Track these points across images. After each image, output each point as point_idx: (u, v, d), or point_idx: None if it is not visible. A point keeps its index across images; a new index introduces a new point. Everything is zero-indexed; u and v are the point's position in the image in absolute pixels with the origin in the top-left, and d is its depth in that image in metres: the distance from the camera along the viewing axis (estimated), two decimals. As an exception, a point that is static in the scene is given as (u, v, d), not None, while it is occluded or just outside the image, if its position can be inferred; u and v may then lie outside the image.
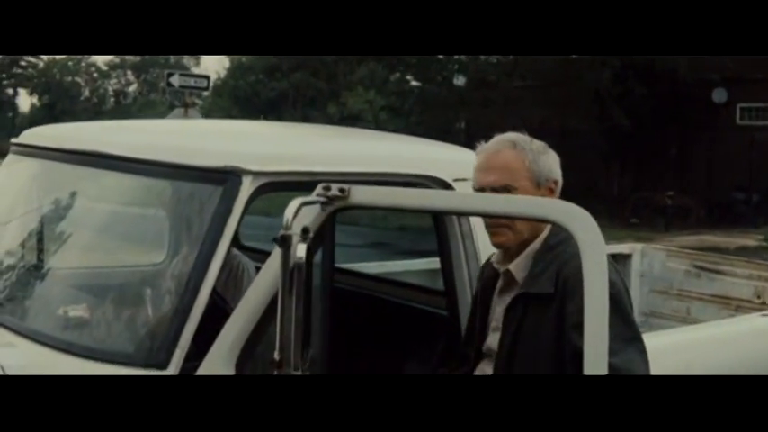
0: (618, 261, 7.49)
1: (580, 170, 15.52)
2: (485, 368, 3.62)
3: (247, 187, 3.73)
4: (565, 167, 3.58)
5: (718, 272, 7.30)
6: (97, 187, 4.17)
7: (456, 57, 29.66)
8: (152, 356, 3.58)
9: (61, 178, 4.34)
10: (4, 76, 61.05)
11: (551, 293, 3.37)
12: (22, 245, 4.27)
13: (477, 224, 4.13)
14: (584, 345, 2.80)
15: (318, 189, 3.23)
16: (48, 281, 4.17)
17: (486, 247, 4.04)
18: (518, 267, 3.56)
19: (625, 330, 3.26)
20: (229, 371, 3.49)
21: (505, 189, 3.49)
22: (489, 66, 29.60)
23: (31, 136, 4.59)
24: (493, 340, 3.62)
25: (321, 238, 3.39)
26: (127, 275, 4.21)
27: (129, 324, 3.85)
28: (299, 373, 2.85)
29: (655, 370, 3.27)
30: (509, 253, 3.61)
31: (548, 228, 3.53)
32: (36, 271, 4.17)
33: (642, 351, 3.29)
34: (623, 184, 30.22)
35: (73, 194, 4.27)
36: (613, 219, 23.61)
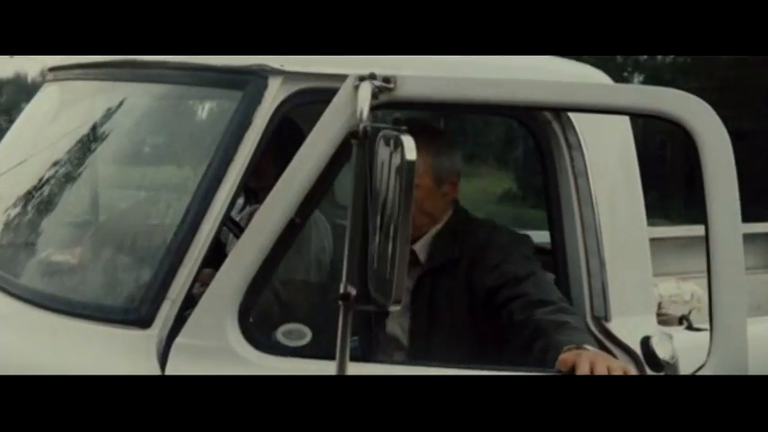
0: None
1: (753, 173, 14.02)
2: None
3: (274, 92, 2.58)
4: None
5: None
6: (107, 103, 3.03)
7: (633, 56, 27.91)
8: (132, 311, 2.49)
9: (69, 98, 3.26)
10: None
11: (456, 258, 2.98)
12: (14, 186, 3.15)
13: (595, 160, 2.91)
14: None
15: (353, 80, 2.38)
16: (31, 225, 3.04)
17: (603, 192, 2.89)
18: (422, 248, 3.08)
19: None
20: (231, 318, 2.45)
21: None
22: (665, 65, 27.75)
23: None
24: (394, 326, 3.02)
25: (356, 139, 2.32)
26: (113, 211, 3.05)
27: (107, 269, 2.75)
28: (370, 308, 2.15)
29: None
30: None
31: (449, 212, 3.14)
32: (22, 215, 3.05)
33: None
34: (797, 188, 27.87)
35: (72, 116, 3.17)
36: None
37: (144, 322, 2.44)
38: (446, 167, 3.07)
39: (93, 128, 2.94)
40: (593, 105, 2.55)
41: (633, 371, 2.44)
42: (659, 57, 27.70)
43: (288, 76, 2.58)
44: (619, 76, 28.81)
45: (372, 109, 2.29)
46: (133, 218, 2.85)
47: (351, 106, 2.36)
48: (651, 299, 3.06)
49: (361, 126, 2.15)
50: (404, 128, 2.12)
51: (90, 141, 2.92)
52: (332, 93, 2.48)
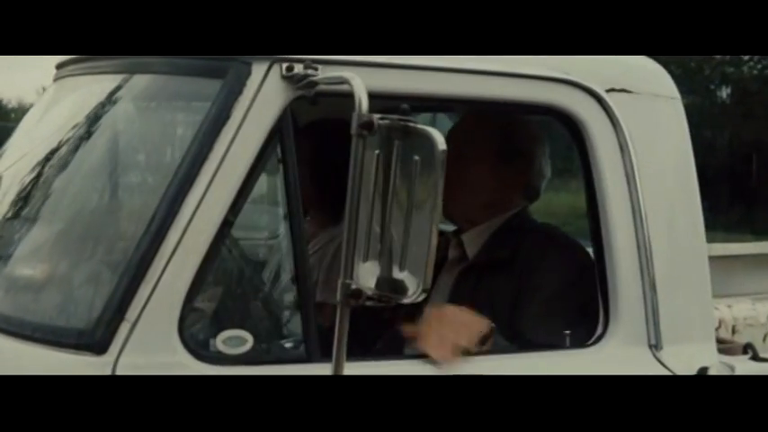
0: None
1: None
2: None
3: (259, 81, 2.19)
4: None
5: None
6: (79, 101, 2.65)
7: (720, 69, 27.22)
8: (86, 334, 2.09)
9: (55, 98, 2.89)
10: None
11: (507, 261, 2.71)
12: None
13: (644, 166, 2.53)
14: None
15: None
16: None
17: (654, 202, 2.53)
18: (470, 239, 2.85)
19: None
20: (174, 330, 2.10)
21: None
22: (752, 77, 26.95)
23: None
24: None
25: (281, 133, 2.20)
26: (76, 218, 2.54)
27: (63, 286, 2.35)
28: (372, 302, 1.92)
29: None
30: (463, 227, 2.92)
31: (513, 209, 2.87)
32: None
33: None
34: None
35: (50, 118, 2.80)
36: None
37: (99, 347, 2.06)
38: (512, 150, 2.85)
39: (59, 130, 2.57)
40: (470, 97, 2.41)
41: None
42: (745, 69, 27.04)
43: (275, 61, 2.20)
44: (706, 88, 28.20)
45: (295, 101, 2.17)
46: (95, 226, 2.46)
47: (282, 95, 2.18)
48: (710, 324, 2.70)
49: (376, 118, 1.90)
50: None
51: (57, 144, 2.53)
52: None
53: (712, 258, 2.66)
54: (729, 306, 4.02)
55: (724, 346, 2.83)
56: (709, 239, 2.69)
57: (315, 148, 3.16)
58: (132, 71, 2.46)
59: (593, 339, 2.51)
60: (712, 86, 28.48)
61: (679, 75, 28.16)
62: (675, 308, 2.54)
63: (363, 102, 1.92)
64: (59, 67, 2.92)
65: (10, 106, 35.35)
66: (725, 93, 28.81)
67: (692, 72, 26.74)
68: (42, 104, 2.93)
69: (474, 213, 2.85)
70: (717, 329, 3.19)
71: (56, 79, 2.93)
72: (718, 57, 26.08)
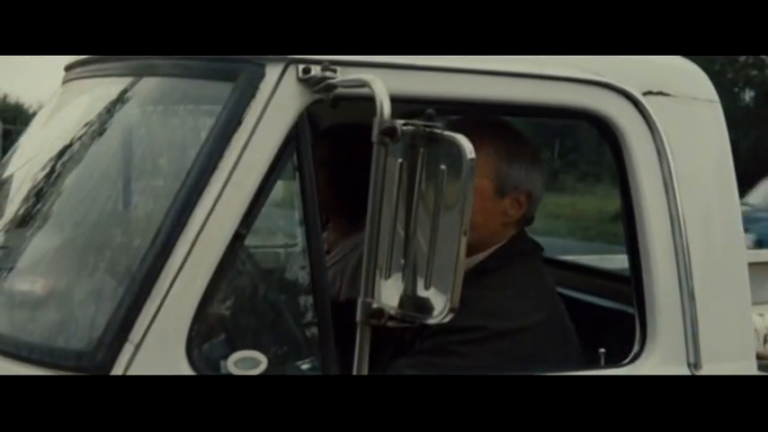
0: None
1: None
2: None
3: (273, 84, 2.07)
4: None
5: None
6: (83, 105, 2.53)
7: (744, 72, 27.16)
8: (86, 356, 1.97)
9: (59, 102, 2.74)
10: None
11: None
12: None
13: (683, 172, 2.41)
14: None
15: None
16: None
17: (693, 210, 2.41)
18: None
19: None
20: (182, 352, 2.00)
21: None
22: (775, 80, 26.96)
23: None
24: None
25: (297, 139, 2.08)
26: (77, 230, 2.38)
27: (63, 303, 2.21)
28: (395, 323, 1.81)
29: None
30: None
31: (497, 244, 2.52)
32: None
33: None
34: None
35: (52, 124, 2.68)
36: None
37: (100, 370, 1.94)
38: (513, 177, 2.51)
39: (64, 136, 2.45)
40: (499, 100, 2.29)
41: None
42: (768, 71, 27.12)
43: (291, 63, 2.07)
44: (729, 91, 28.14)
45: (312, 105, 2.06)
46: (98, 239, 2.31)
47: (298, 99, 2.06)
48: (750, 339, 2.57)
49: (399, 124, 1.80)
50: (442, 124, 1.84)
51: (61, 150, 2.41)
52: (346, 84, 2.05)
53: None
54: (761, 315, 3.90)
55: (763, 363, 2.69)
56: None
57: (335, 151, 3.05)
58: (140, 74, 2.34)
59: (629, 358, 2.39)
60: (736, 89, 28.40)
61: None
62: (715, 322, 2.41)
63: (385, 106, 1.81)
64: (67, 69, 2.80)
65: (31, 111, 35.37)
66: (748, 96, 28.76)
67: (715, 75, 26.62)
68: (50, 108, 2.80)
69: None
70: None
71: (64, 82, 2.81)
72: (742, 59, 26.00)
